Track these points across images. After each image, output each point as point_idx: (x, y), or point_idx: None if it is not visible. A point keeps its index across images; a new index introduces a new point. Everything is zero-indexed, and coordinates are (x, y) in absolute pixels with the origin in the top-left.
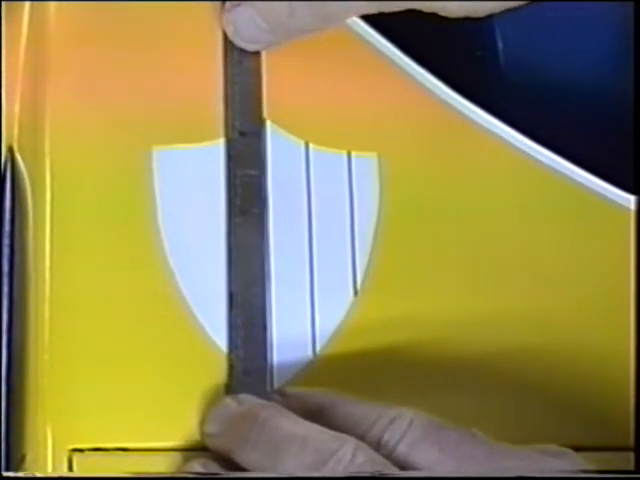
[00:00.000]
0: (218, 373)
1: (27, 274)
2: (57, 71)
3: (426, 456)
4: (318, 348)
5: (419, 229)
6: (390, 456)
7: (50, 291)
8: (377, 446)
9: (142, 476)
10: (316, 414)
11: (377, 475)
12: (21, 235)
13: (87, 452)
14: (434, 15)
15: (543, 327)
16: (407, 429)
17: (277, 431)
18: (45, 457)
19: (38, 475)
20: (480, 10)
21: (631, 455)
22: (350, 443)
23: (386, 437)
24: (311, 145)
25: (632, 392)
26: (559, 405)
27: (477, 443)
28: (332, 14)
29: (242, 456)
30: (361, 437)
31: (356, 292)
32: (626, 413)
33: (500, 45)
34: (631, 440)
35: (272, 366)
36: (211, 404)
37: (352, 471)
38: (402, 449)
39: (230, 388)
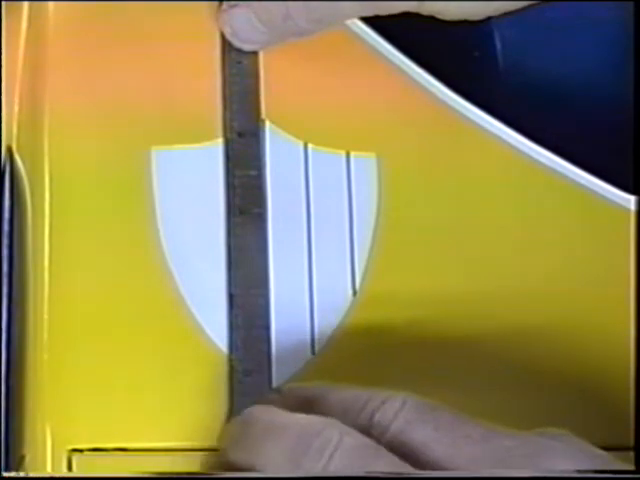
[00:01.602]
0: (218, 374)
1: (26, 274)
2: (56, 71)
3: (420, 434)
4: (317, 348)
5: (418, 229)
6: (383, 436)
7: (49, 291)
8: (370, 426)
9: (142, 476)
10: (310, 404)
11: (390, 476)
12: (20, 235)
13: (86, 452)
14: (431, 18)
15: (544, 327)
16: (400, 408)
17: (259, 424)
18: (44, 457)
19: (37, 475)
20: (477, 13)
21: (631, 455)
22: (335, 425)
23: (379, 417)
24: (310, 145)
25: (632, 392)
26: (562, 400)
27: (472, 423)
28: (327, 17)
29: (233, 458)
30: (354, 419)
31: (355, 292)
32: (626, 412)
33: (498, 46)
34: (631, 440)
35: (272, 366)
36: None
37: (342, 455)
38: (396, 428)
39: (231, 389)
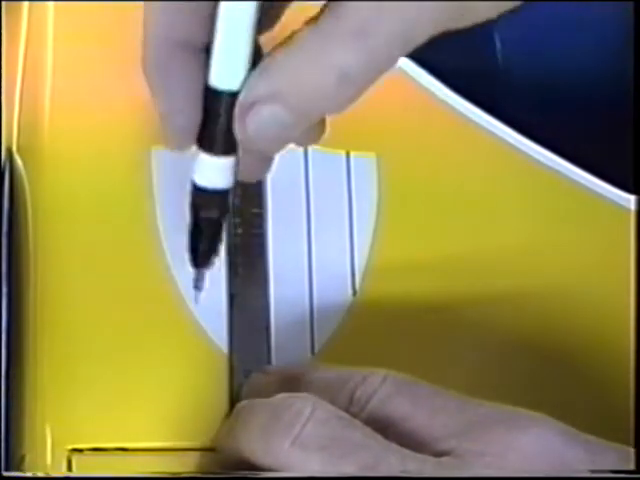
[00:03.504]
0: (219, 374)
1: (26, 275)
2: (56, 71)
3: (398, 409)
4: (317, 348)
5: (418, 229)
6: (362, 412)
7: (49, 291)
8: (349, 404)
9: (142, 476)
10: (293, 382)
11: (389, 475)
12: (20, 236)
13: (86, 452)
14: None
15: (544, 328)
16: (380, 384)
17: (242, 413)
18: (44, 457)
19: (38, 475)
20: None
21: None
22: (308, 398)
23: (358, 393)
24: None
25: (632, 392)
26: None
27: (449, 396)
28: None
29: (227, 452)
30: (335, 396)
31: (355, 292)
32: (624, 409)
33: (498, 46)
34: (631, 440)
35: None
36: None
37: (314, 425)
38: (374, 403)
39: (231, 389)
